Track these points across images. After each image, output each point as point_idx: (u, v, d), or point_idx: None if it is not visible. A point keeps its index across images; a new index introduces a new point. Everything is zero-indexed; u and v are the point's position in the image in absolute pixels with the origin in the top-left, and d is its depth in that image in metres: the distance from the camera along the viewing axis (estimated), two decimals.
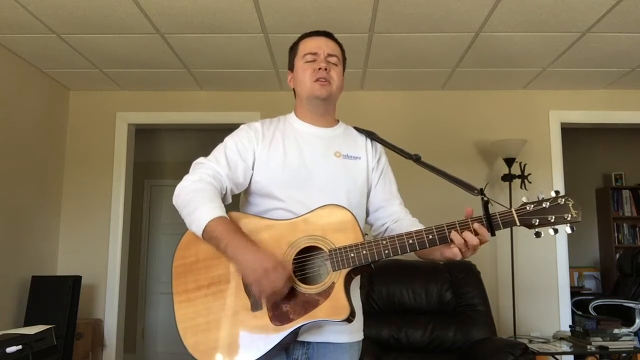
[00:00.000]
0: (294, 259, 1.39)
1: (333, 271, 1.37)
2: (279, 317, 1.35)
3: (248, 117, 3.92)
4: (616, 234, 5.70)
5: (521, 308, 3.96)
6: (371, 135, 1.67)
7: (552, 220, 1.33)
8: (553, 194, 1.35)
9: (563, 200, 1.33)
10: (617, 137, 5.88)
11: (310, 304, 1.35)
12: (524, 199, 1.36)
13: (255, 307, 1.37)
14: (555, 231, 1.34)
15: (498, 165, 4.10)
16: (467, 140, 4.20)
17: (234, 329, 1.36)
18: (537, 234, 1.34)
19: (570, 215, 1.32)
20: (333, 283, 1.36)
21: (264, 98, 4.21)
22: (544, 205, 1.34)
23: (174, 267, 1.44)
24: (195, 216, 1.38)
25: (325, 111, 1.61)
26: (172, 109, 4.26)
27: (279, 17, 2.97)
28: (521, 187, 3.88)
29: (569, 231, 1.33)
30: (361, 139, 1.66)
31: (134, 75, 3.91)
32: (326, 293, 1.36)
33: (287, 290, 1.34)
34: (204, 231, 1.37)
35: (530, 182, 3.91)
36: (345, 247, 1.38)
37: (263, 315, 1.36)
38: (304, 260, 1.40)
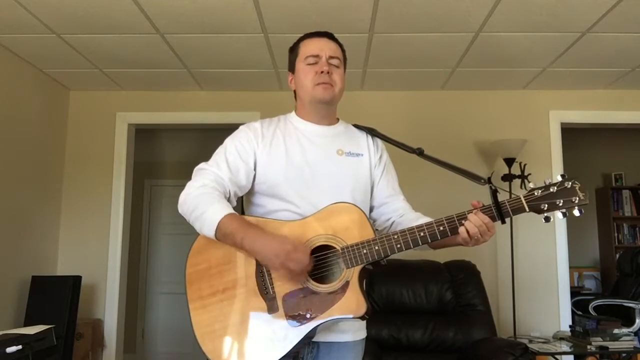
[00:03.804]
0: None
1: (347, 268, 1.37)
2: (295, 317, 1.36)
3: (248, 117, 3.90)
4: (616, 234, 5.70)
5: (521, 308, 3.96)
6: (372, 132, 1.67)
7: (561, 204, 1.34)
8: (559, 178, 1.36)
9: (570, 183, 1.34)
10: (617, 137, 5.88)
11: (326, 303, 1.36)
12: (531, 185, 1.38)
13: (271, 309, 1.37)
14: (564, 214, 1.35)
15: (498, 165, 4.10)
16: (467, 140, 4.20)
17: (253, 332, 1.36)
18: (547, 219, 1.36)
19: (577, 198, 1.33)
20: (347, 281, 1.37)
21: (264, 98, 4.21)
22: (551, 189, 1.35)
23: (187, 275, 1.44)
24: (205, 218, 1.38)
25: (327, 113, 1.62)
26: (172, 109, 4.26)
27: (279, 17, 2.97)
28: (521, 187, 3.88)
29: (577, 214, 1.33)
30: (362, 136, 1.66)
31: (134, 75, 3.91)
32: (341, 291, 1.36)
33: (311, 266, 1.35)
34: (217, 230, 1.37)
35: (530, 182, 3.90)
36: (357, 244, 1.38)
37: (280, 317, 1.36)
38: (317, 260, 1.40)
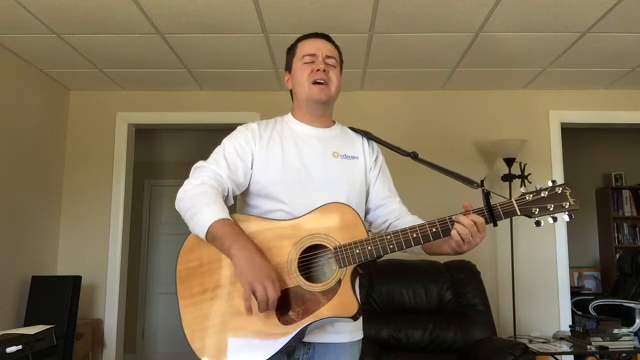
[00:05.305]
0: (299, 258, 1.39)
1: (339, 268, 1.37)
2: (286, 316, 1.35)
3: (247, 117, 3.92)
4: (616, 234, 5.70)
5: (521, 308, 3.96)
6: (367, 135, 1.68)
7: (551, 209, 1.35)
8: (550, 184, 1.38)
9: (560, 189, 1.36)
10: (617, 137, 5.88)
11: (317, 302, 1.35)
12: (523, 189, 1.40)
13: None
14: (555, 219, 1.36)
15: (498, 165, 4.10)
16: (467, 140, 4.20)
17: (242, 331, 1.36)
18: (537, 223, 1.37)
19: (568, 204, 1.35)
20: (339, 280, 1.37)
21: (263, 98, 4.21)
22: (542, 194, 1.36)
23: (178, 272, 1.44)
24: (198, 218, 1.38)
25: (324, 113, 1.63)
26: (172, 109, 4.26)
27: (279, 17, 2.97)
28: (521, 187, 3.85)
29: (567, 219, 1.36)
30: (358, 139, 1.67)
31: (134, 75, 3.92)
32: (333, 290, 1.36)
33: (274, 307, 1.31)
34: (207, 232, 1.36)
35: (530, 182, 3.91)
36: (350, 244, 1.38)
37: (271, 316, 1.35)
38: (309, 259, 1.40)
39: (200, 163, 1.54)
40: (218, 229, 1.36)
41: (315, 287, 1.37)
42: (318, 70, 1.55)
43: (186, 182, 1.49)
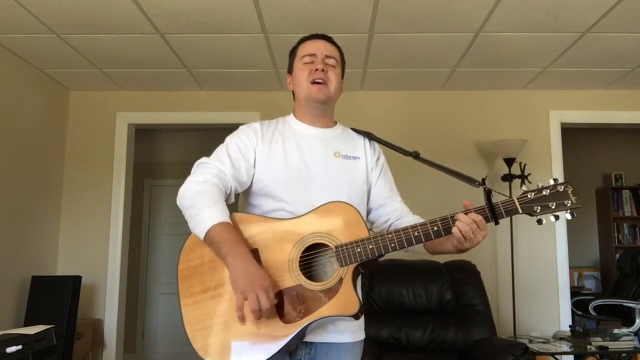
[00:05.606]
0: (301, 257, 1.39)
1: (340, 267, 1.37)
2: (287, 315, 1.35)
3: (248, 117, 3.92)
4: (616, 234, 5.70)
5: (521, 308, 3.96)
6: (369, 136, 1.68)
7: (553, 207, 1.36)
8: (552, 182, 1.37)
9: (562, 187, 1.36)
10: (617, 137, 5.88)
11: (318, 301, 1.35)
12: (524, 188, 1.40)
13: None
14: (556, 217, 1.36)
15: (498, 165, 4.10)
16: (467, 140, 4.20)
17: (244, 330, 1.35)
18: (539, 221, 1.37)
19: (570, 202, 1.35)
20: (341, 279, 1.37)
21: (263, 98, 4.21)
22: (544, 192, 1.36)
23: (179, 271, 1.44)
24: (199, 219, 1.38)
25: (324, 113, 1.63)
26: (172, 109, 4.26)
27: (279, 17, 2.97)
28: (521, 187, 3.86)
29: (569, 217, 1.35)
30: (359, 139, 1.67)
31: (134, 75, 3.91)
32: (335, 289, 1.36)
33: (268, 315, 1.31)
34: (206, 235, 1.37)
35: (530, 182, 3.91)
36: (351, 243, 1.38)
37: (272, 315, 1.35)
38: (311, 258, 1.40)
39: (203, 159, 1.53)
40: (216, 233, 1.36)
41: (317, 286, 1.37)
42: (317, 70, 1.55)
43: (188, 178, 1.49)
